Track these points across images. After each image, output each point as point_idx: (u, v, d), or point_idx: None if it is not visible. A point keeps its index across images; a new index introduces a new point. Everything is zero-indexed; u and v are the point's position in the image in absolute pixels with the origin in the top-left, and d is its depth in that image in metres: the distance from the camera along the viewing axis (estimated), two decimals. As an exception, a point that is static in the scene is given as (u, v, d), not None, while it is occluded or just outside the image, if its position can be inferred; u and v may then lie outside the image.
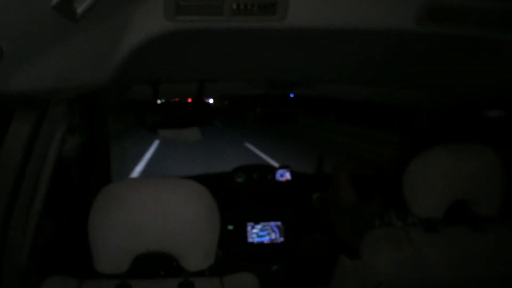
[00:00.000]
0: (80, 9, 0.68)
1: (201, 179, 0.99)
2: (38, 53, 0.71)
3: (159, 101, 1.79)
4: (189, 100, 1.91)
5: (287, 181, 2.56)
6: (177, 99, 1.96)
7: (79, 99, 1.18)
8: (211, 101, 2.66)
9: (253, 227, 2.39)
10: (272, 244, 2.39)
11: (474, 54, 1.22)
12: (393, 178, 1.59)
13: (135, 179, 0.96)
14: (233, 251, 2.35)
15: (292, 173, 2.58)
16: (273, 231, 2.40)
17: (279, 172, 2.57)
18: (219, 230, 0.98)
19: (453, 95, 1.83)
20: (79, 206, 1.81)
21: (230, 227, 2.37)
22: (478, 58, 1.25)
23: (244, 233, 2.37)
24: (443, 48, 1.18)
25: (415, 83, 1.76)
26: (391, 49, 1.21)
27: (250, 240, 2.37)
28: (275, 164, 2.51)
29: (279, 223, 2.41)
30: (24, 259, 1.11)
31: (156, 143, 11.22)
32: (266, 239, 2.38)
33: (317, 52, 1.25)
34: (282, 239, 2.39)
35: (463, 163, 1.20)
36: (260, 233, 2.39)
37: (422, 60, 1.32)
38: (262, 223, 2.40)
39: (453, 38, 1.07)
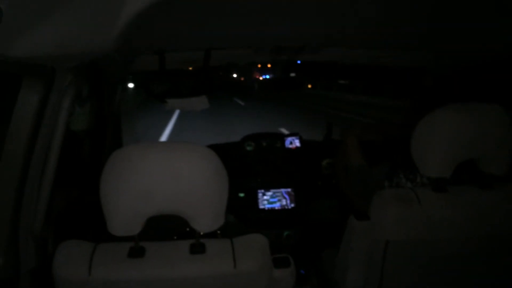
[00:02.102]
0: None
1: (212, 148, 1.00)
2: (38, 17, 0.71)
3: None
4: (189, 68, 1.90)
5: (297, 148, 2.57)
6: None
7: (84, 68, 1.18)
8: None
9: (264, 194, 2.42)
10: (283, 210, 2.42)
11: (482, 11, 1.19)
12: (401, 141, 1.59)
13: (145, 143, 0.97)
14: (244, 217, 2.39)
15: (301, 140, 2.59)
16: (284, 197, 2.42)
17: (288, 139, 2.58)
18: (228, 192, 1.00)
19: (460, 56, 1.80)
20: (92, 175, 1.85)
21: (241, 195, 2.40)
22: (486, 16, 1.22)
23: (255, 200, 2.41)
24: (452, 5, 1.15)
25: (421, 45, 1.73)
26: (399, 7, 1.18)
27: (261, 206, 2.41)
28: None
29: (289, 189, 2.43)
30: (39, 226, 1.14)
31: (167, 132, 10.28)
32: (277, 205, 2.42)
33: (323, 14, 1.23)
34: (292, 205, 2.42)
35: (470, 122, 1.19)
36: (271, 199, 2.42)
37: (428, 20, 1.29)
38: (273, 190, 2.43)
39: None
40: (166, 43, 1.55)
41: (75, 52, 0.94)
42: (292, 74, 2.28)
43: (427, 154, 1.23)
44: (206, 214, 0.97)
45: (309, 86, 24.15)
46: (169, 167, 0.93)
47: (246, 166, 2.48)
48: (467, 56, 1.78)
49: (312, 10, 1.18)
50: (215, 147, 1.16)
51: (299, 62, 2.15)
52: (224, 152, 1.35)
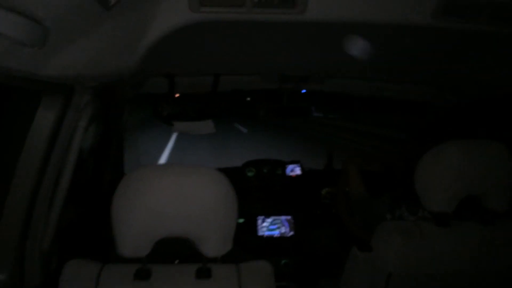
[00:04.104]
0: None
1: None
2: (72, 39, 0.74)
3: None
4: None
5: (297, 176, 2.58)
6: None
7: (102, 89, 1.21)
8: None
9: (263, 221, 2.41)
10: (282, 238, 2.41)
11: (487, 50, 1.24)
12: (403, 174, 1.61)
13: (158, 166, 0.99)
14: (243, 244, 2.37)
15: (302, 169, 2.60)
16: (283, 225, 2.42)
17: (289, 167, 2.59)
18: (237, 217, 1.01)
19: (463, 91, 1.84)
20: (94, 195, 1.85)
21: (241, 220, 2.39)
22: (490, 54, 1.27)
23: (254, 227, 2.40)
24: (456, 44, 1.20)
25: (426, 79, 1.78)
26: (405, 44, 1.23)
27: (260, 233, 2.40)
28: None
29: (289, 217, 2.43)
30: (47, 245, 1.14)
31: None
32: (276, 233, 2.41)
33: (332, 47, 1.27)
34: (292, 233, 2.41)
35: (475, 158, 1.21)
36: (270, 226, 2.41)
37: (434, 56, 1.34)
38: (273, 217, 2.42)
39: (467, 34, 1.09)
40: (178, 67, 1.59)
41: (99, 73, 0.97)
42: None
43: (431, 188, 1.25)
44: (216, 238, 0.98)
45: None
46: (181, 190, 0.94)
47: (246, 191, 2.48)
48: (470, 92, 1.82)
49: (322, 44, 1.23)
50: None
51: (304, 91, 2.19)
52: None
